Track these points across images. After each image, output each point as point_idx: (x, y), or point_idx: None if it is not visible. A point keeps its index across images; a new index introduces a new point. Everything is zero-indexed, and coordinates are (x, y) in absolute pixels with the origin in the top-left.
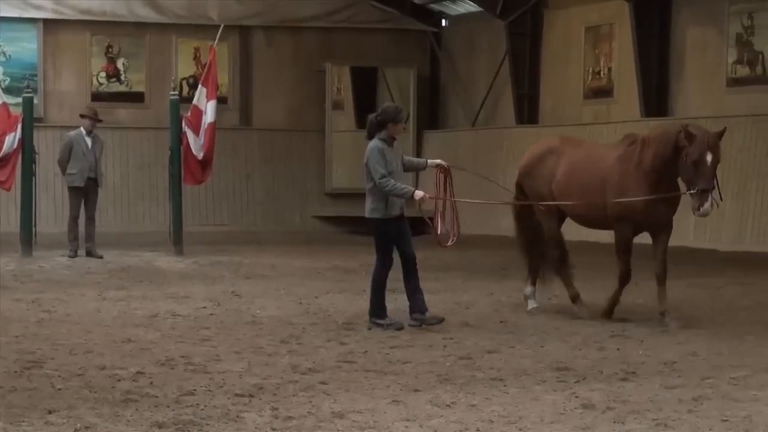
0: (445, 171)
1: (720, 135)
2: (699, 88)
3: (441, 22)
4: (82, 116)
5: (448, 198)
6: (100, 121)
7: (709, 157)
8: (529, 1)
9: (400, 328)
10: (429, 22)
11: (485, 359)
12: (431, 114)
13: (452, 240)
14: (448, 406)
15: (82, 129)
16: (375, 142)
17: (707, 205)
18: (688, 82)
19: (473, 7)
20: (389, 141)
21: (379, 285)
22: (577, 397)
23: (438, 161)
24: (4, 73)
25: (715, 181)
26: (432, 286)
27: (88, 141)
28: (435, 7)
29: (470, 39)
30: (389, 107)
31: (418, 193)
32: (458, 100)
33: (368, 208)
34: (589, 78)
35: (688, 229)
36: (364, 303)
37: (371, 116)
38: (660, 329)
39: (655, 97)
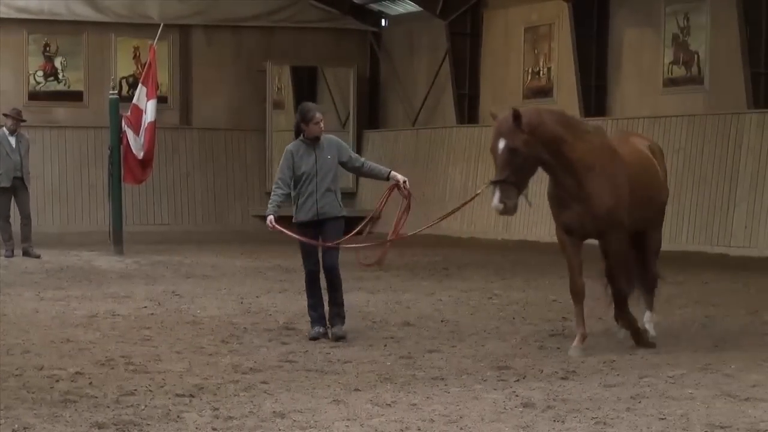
0: (408, 197)
1: (514, 118)
2: (636, 88)
3: (381, 22)
4: (5, 115)
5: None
6: (23, 120)
7: (500, 144)
8: (469, 1)
9: (314, 338)
10: (369, 22)
11: (426, 358)
12: (371, 114)
13: (375, 262)
14: (389, 405)
15: (4, 129)
16: (290, 144)
17: (495, 200)
18: (625, 83)
19: (413, 7)
20: (309, 142)
21: (306, 290)
22: (517, 395)
23: (400, 178)
24: None
25: (521, 177)
26: (372, 285)
27: (12, 141)
28: (375, 6)
29: (410, 39)
30: (300, 107)
31: (269, 219)
32: (398, 100)
33: None
34: (529, 78)
35: None
36: (305, 302)
37: None
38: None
39: (594, 97)
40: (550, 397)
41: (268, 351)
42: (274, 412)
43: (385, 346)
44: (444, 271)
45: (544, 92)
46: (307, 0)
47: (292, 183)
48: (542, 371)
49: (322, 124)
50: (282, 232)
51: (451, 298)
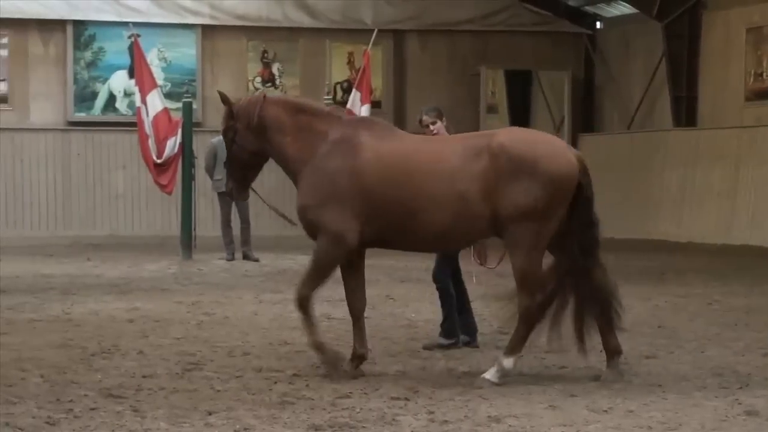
0: None
1: (222, 101)
2: None
3: (596, 25)
4: None
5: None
6: None
7: None
8: (686, 3)
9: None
10: (584, 25)
11: (642, 364)
12: (585, 117)
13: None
14: (605, 411)
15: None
16: None
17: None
18: None
19: (629, 9)
20: None
21: None
22: (740, 403)
23: None
24: (165, 79)
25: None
26: None
27: None
28: (590, 9)
29: (626, 41)
30: None
31: None
32: (613, 103)
33: None
34: (751, 80)
35: None
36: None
37: None
38: None
39: None
40: None
41: (482, 355)
42: (489, 416)
43: (601, 351)
44: (660, 276)
45: (767, 94)
46: (521, 4)
47: None
48: (767, 379)
49: (432, 127)
50: None
51: (668, 304)
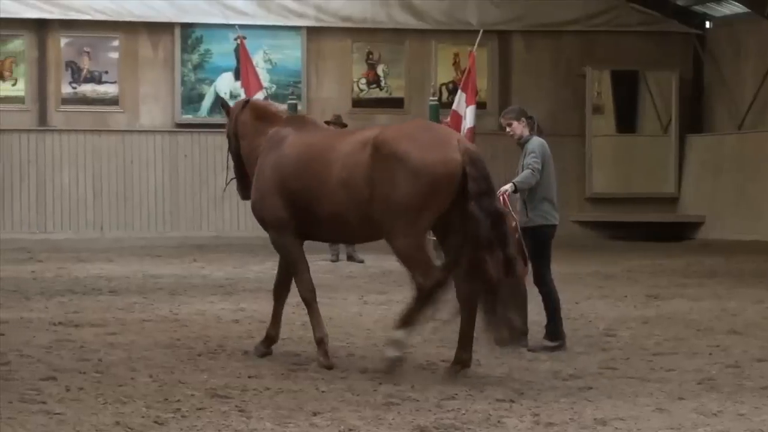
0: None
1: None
2: None
3: (705, 24)
4: (326, 123)
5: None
6: (344, 125)
7: None
8: None
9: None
10: (692, 24)
11: (754, 368)
12: (694, 118)
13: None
14: (715, 415)
15: None
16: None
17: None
18: None
19: (740, 8)
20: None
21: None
22: None
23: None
24: (270, 81)
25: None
26: (696, 293)
27: None
28: (698, 8)
29: (736, 41)
30: None
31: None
32: (723, 104)
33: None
34: None
35: None
36: (626, 309)
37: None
38: None
39: None
40: None
41: (588, 357)
42: (595, 419)
43: (710, 354)
44: None
45: None
46: (628, 3)
47: None
48: None
49: (508, 129)
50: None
51: None
